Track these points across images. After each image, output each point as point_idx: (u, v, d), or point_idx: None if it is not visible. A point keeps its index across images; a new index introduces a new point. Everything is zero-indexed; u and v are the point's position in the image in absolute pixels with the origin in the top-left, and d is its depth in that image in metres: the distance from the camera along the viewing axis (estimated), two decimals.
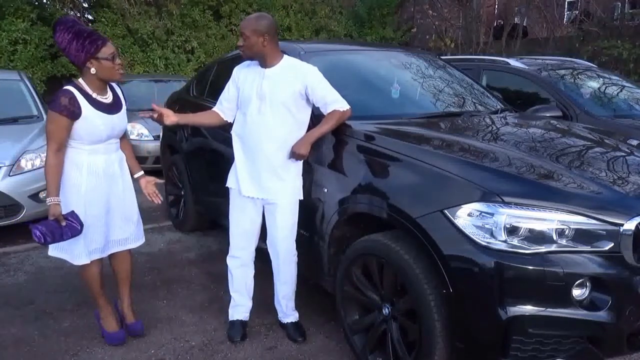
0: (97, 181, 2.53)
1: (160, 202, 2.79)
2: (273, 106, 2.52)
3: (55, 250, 2.58)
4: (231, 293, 2.86)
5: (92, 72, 2.43)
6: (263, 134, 2.54)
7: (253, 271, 2.83)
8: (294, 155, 2.53)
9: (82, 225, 2.44)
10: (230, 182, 2.73)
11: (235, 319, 2.85)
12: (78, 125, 2.42)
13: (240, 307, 2.85)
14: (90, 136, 2.47)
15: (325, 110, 2.56)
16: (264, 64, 2.56)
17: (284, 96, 2.51)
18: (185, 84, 5.18)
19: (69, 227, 2.40)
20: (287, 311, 2.83)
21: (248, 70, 2.64)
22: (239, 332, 2.81)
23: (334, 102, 2.54)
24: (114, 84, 2.62)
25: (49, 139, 2.41)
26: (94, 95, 2.47)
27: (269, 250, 2.74)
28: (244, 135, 2.61)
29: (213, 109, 2.80)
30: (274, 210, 2.62)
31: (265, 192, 2.60)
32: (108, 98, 2.54)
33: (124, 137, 2.75)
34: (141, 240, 2.80)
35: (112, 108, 2.54)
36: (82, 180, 2.49)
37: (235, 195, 2.70)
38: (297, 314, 2.87)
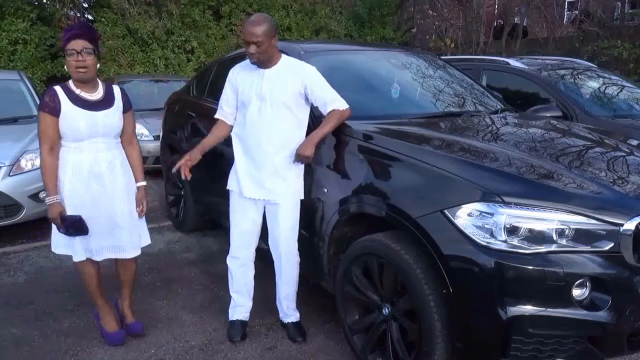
0: (81, 181, 2.47)
1: (138, 216, 2.65)
2: (274, 106, 2.51)
3: (60, 248, 2.58)
4: (231, 293, 2.86)
5: (65, 68, 2.40)
6: (264, 134, 2.53)
7: (253, 271, 2.83)
8: (299, 157, 2.51)
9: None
10: (230, 185, 2.72)
11: (235, 319, 2.85)
12: (61, 122, 2.40)
13: (240, 308, 2.85)
14: (72, 133, 2.43)
15: (324, 110, 2.56)
16: (265, 65, 2.55)
17: (284, 96, 2.51)
18: (185, 84, 5.19)
19: (72, 225, 2.41)
20: (288, 311, 2.83)
21: (245, 72, 2.62)
22: (239, 332, 2.81)
23: (333, 102, 2.54)
24: (114, 85, 2.59)
25: (40, 138, 2.41)
26: (78, 91, 2.44)
27: (271, 250, 2.74)
28: (245, 136, 2.61)
29: (216, 116, 2.75)
30: (276, 210, 2.62)
31: (267, 192, 2.59)
32: (96, 95, 2.49)
33: (133, 142, 2.67)
34: (136, 251, 2.66)
35: (98, 105, 2.47)
36: (65, 178, 2.46)
37: (236, 196, 2.69)
38: (298, 314, 2.87)
